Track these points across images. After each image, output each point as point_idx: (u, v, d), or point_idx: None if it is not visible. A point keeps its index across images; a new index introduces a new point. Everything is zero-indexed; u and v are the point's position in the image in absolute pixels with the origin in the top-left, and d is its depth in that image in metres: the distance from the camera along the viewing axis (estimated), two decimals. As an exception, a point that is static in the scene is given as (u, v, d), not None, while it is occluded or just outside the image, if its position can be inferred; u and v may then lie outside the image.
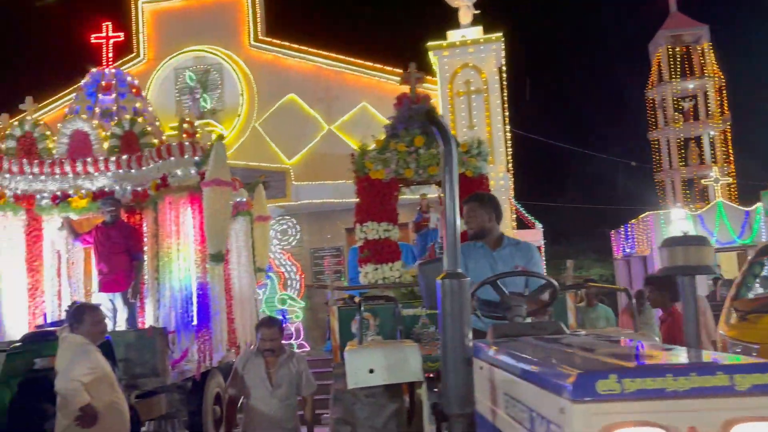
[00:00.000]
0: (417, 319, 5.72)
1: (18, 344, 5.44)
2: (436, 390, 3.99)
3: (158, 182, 7.79)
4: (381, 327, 5.63)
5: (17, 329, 7.75)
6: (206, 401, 7.94)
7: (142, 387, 6.55)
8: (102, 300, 7.62)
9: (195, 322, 7.65)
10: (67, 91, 14.90)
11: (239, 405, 5.12)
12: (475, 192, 4.82)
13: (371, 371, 3.91)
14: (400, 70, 8.82)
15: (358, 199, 8.05)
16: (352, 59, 15.27)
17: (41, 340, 5.40)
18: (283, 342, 5.12)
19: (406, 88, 7.84)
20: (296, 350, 12.81)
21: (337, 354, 6.38)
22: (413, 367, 3.91)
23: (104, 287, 7.65)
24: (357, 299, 6.34)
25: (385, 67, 14.88)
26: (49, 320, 7.66)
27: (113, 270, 7.62)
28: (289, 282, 13.47)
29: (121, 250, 7.64)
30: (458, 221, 2.94)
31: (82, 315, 4.66)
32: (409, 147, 7.18)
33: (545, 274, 3.89)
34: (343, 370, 4.11)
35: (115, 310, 7.58)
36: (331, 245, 14.99)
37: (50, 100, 15.45)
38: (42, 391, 5.09)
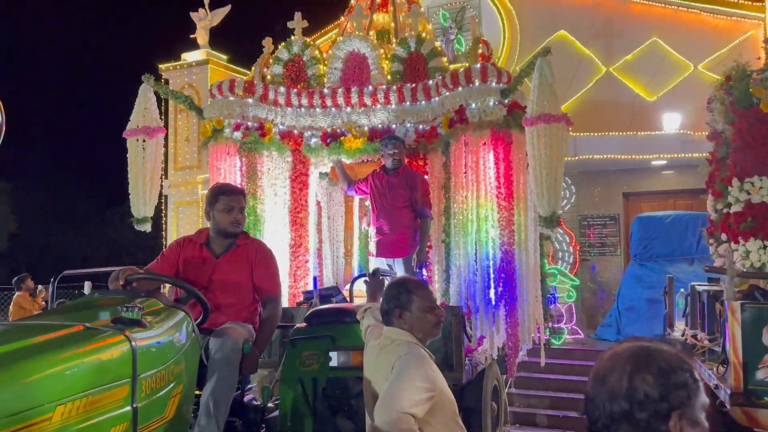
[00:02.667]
0: None
1: (302, 327, 3.87)
2: None
3: (452, 117, 5.97)
4: None
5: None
6: (485, 397, 6.10)
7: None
8: (379, 265, 6.05)
9: (494, 302, 5.80)
10: (335, 24, 13.54)
11: None
12: None
13: None
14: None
15: (730, 146, 5.62)
16: (642, -15, 12.46)
17: (334, 320, 3.79)
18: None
19: None
20: (567, 335, 10.70)
21: (738, 378, 4.16)
22: None
23: (383, 250, 6.06)
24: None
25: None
26: (319, 285, 6.25)
27: (394, 228, 5.99)
28: (560, 254, 11.28)
29: (404, 203, 5.98)
30: None
31: (409, 296, 2.88)
32: None
33: None
34: None
35: None
36: (602, 212, 12.52)
37: (317, 35, 14.34)
38: (342, 408, 3.49)
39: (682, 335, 6.19)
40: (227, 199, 3.90)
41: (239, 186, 5.85)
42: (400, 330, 2.85)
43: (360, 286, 5.96)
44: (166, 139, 10.24)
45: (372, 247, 6.20)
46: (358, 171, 6.94)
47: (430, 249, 6.13)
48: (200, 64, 13.90)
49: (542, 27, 12.91)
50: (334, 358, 3.59)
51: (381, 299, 2.99)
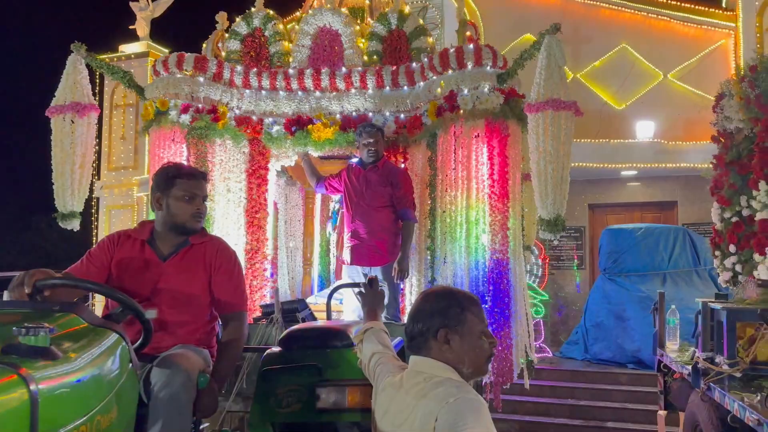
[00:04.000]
0: None
1: (276, 353, 2.91)
2: None
3: (441, 104, 5.15)
4: None
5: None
6: None
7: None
8: (354, 275, 5.16)
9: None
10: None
11: None
12: None
13: None
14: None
15: (756, 145, 5.01)
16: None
17: (319, 343, 2.86)
18: None
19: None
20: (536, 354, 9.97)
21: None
22: None
23: (357, 257, 5.16)
24: None
25: (657, -1, 11.57)
26: (281, 297, 5.29)
27: (372, 232, 5.11)
28: (528, 267, 10.59)
29: (384, 203, 5.11)
30: None
31: (462, 313, 2.01)
32: None
33: None
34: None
35: None
36: (567, 224, 11.92)
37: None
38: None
39: (692, 358, 5.51)
40: (188, 184, 2.94)
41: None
42: (438, 363, 1.97)
43: (346, 298, 5.08)
44: (99, 136, 9.15)
45: (346, 254, 5.29)
46: (325, 170, 6.02)
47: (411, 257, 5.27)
48: (140, 57, 12.84)
49: (507, 30, 12.30)
50: (322, 396, 2.66)
51: (382, 312, 2.14)
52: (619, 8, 11.82)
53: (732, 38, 11.17)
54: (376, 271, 5.07)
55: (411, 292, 5.30)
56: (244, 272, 5.58)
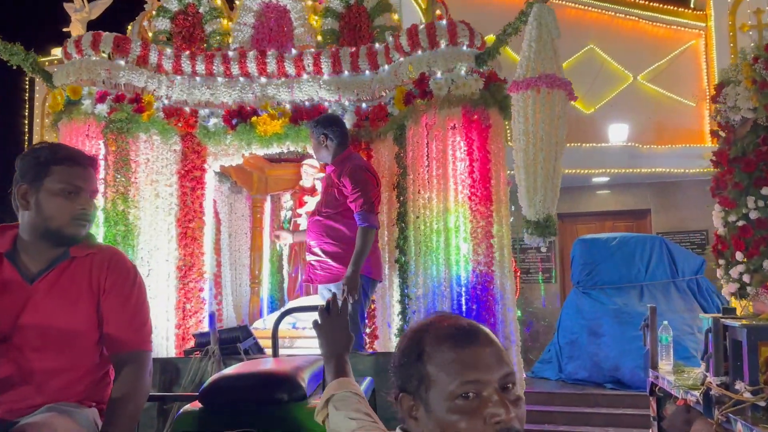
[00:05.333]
0: None
1: (193, 411, 2.01)
2: None
3: (410, 89, 4.34)
4: None
5: (163, 334, 4.55)
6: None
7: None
8: (325, 295, 4.27)
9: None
10: None
11: None
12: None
13: None
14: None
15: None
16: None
17: (254, 397, 1.97)
18: None
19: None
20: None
21: None
22: None
23: (312, 274, 4.25)
24: None
25: (625, -2, 11.08)
26: (217, 325, 4.39)
27: (321, 244, 4.21)
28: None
29: (335, 209, 4.22)
30: None
31: (423, 368, 1.17)
32: None
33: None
34: None
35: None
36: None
37: None
38: None
39: (702, 383, 4.79)
40: (69, 173, 2.02)
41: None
42: None
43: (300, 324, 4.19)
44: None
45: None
46: (276, 175, 5.17)
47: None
48: (73, 60, 11.72)
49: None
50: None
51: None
52: (586, 8, 11.28)
53: (702, 38, 10.73)
54: (332, 290, 4.19)
55: (383, 313, 4.43)
56: (176, 294, 4.69)
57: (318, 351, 1.79)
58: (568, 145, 9.81)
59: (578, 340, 9.33)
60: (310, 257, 4.25)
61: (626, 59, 10.94)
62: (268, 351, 3.80)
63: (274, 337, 2.82)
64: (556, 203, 4.07)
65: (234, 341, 3.86)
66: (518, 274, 10.17)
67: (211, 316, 4.06)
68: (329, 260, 4.16)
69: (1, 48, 4.51)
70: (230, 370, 2.13)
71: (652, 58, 10.88)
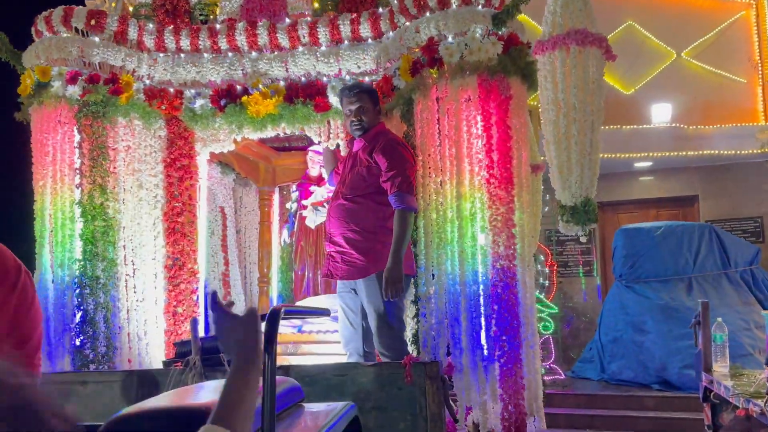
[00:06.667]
0: None
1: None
2: None
3: (417, 57, 3.77)
4: None
5: (150, 342, 4.09)
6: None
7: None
8: (343, 293, 3.77)
9: (487, 351, 3.56)
10: None
11: None
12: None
13: None
14: None
15: None
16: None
17: (160, 428, 1.44)
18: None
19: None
20: (545, 376, 8.56)
21: None
22: None
23: (334, 268, 3.73)
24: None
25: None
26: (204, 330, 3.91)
27: (346, 233, 3.67)
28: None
29: (364, 190, 3.68)
30: None
31: None
32: None
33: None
34: None
35: (360, 319, 3.69)
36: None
37: None
38: None
39: (767, 392, 4.12)
40: None
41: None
42: None
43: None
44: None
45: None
46: (278, 164, 4.66)
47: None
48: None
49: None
50: None
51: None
52: (624, -18, 10.52)
53: (753, 8, 9.89)
54: (360, 287, 3.66)
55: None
56: (164, 297, 4.23)
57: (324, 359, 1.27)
58: (606, 127, 9.12)
59: (621, 337, 8.70)
60: (329, 248, 3.74)
61: (668, 35, 10.15)
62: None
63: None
64: (596, 184, 3.46)
65: (217, 350, 3.36)
66: (555, 268, 9.52)
67: (194, 322, 3.56)
68: (353, 251, 3.64)
69: None
70: (134, 408, 1.60)
71: (697, 33, 10.07)
